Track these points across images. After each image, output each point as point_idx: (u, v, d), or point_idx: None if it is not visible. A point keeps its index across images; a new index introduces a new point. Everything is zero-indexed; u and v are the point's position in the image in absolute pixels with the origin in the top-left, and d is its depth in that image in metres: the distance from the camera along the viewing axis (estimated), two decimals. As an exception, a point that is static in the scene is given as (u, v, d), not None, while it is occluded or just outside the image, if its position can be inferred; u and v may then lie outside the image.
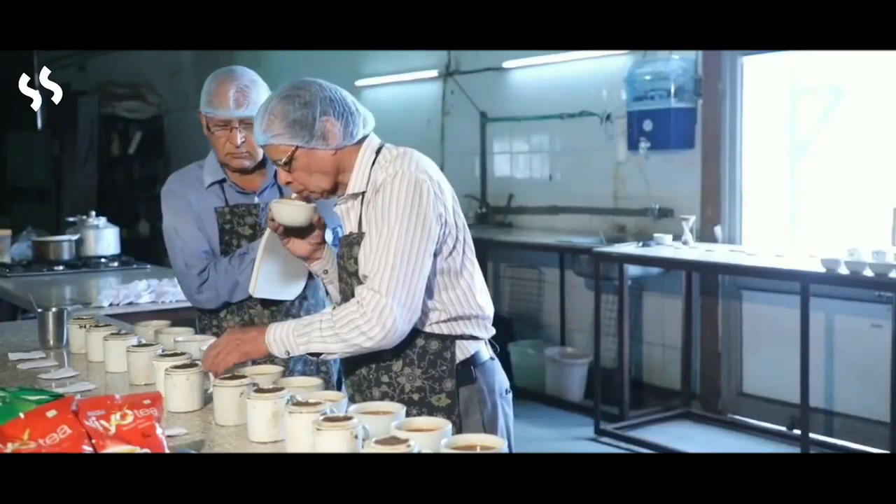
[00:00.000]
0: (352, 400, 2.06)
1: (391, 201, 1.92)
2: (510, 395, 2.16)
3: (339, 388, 2.67)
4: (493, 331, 2.11)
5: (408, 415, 1.95)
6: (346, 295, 2.05)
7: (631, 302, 5.24)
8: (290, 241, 2.14)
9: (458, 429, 1.99)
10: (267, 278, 2.43)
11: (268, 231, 2.37)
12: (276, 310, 2.57)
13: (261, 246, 2.39)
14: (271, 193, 2.59)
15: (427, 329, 2.01)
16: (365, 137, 2.04)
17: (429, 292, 1.97)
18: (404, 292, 1.88)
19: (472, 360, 2.06)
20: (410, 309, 1.90)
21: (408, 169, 1.94)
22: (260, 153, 2.54)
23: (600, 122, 5.73)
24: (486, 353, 2.10)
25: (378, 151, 2.03)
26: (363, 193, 2.02)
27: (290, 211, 2.07)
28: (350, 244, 2.04)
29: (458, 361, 2.03)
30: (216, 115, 2.47)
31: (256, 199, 2.60)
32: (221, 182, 2.59)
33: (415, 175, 1.94)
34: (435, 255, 1.96)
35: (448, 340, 2.03)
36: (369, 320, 1.86)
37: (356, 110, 2.01)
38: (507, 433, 2.11)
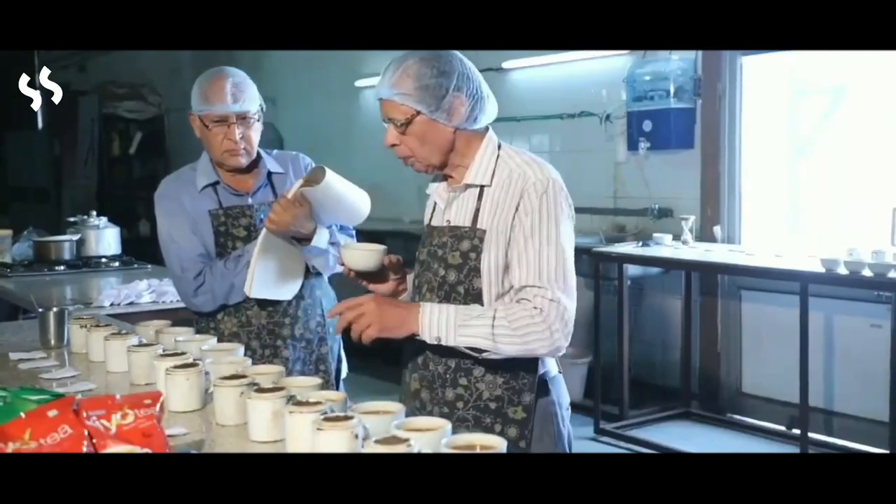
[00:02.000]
0: (416, 395, 2.01)
1: (554, 210, 1.90)
2: (569, 412, 2.10)
3: (337, 388, 2.69)
4: None
5: (481, 423, 1.95)
6: (432, 285, 1.99)
7: (631, 302, 5.23)
8: (369, 285, 2.06)
9: (528, 444, 1.95)
10: (263, 279, 2.43)
11: (263, 231, 2.38)
12: (273, 310, 2.57)
13: (256, 246, 2.39)
14: (264, 194, 2.60)
15: None
16: (485, 129, 2.01)
17: None
18: (573, 303, 1.90)
19: (547, 373, 2.01)
20: (573, 317, 1.90)
21: (557, 177, 1.94)
22: (255, 149, 2.55)
23: (600, 122, 5.73)
24: (555, 366, 2.06)
25: (498, 147, 2.00)
26: (482, 187, 1.97)
27: (362, 256, 2.00)
28: (458, 237, 1.96)
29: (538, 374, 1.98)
30: (213, 112, 2.47)
31: (250, 200, 2.60)
32: (215, 184, 2.59)
33: (563, 184, 1.95)
34: None
35: None
36: (555, 332, 1.85)
37: (486, 96, 1.98)
38: (570, 449, 2.07)
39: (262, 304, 2.56)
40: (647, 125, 5.33)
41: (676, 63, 5.22)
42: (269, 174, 2.63)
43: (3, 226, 5.68)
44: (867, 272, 3.84)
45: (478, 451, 1.47)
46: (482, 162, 1.98)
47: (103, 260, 5.22)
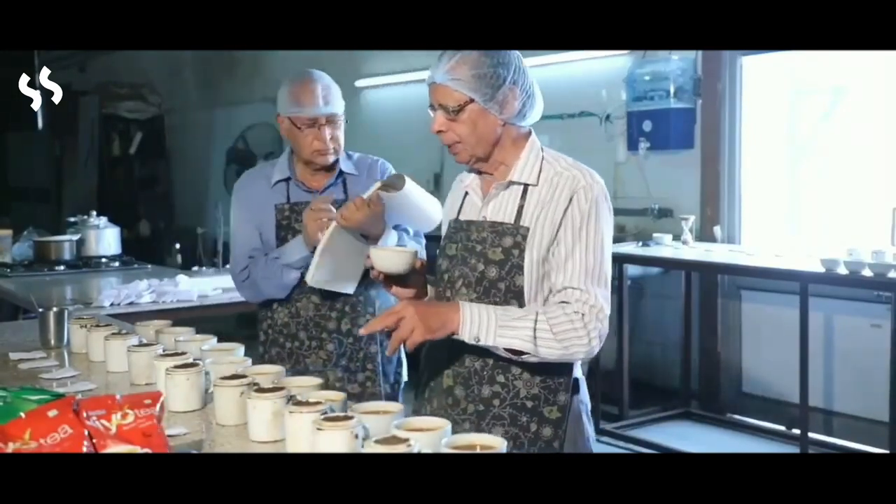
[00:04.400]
0: (449, 392, 1.99)
1: (603, 215, 1.92)
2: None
3: (395, 391, 2.74)
4: None
5: (517, 422, 1.95)
6: (469, 280, 1.96)
7: (631, 302, 5.23)
8: (392, 289, 2.01)
9: (562, 444, 1.95)
10: (325, 270, 2.48)
11: (333, 224, 2.41)
12: (321, 303, 2.64)
13: (324, 238, 2.43)
14: (334, 192, 2.67)
15: None
16: (529, 131, 2.02)
17: None
18: (609, 307, 1.91)
19: (577, 373, 2.02)
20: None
21: (600, 182, 1.95)
22: (342, 148, 2.65)
23: (600, 122, 5.73)
24: (580, 368, 2.05)
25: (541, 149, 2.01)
26: (527, 186, 1.96)
27: (392, 258, 1.96)
28: (500, 233, 1.94)
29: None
30: (303, 114, 2.56)
31: (319, 197, 2.65)
32: (287, 180, 2.69)
33: (607, 191, 1.96)
34: None
35: None
36: (593, 339, 1.86)
37: (536, 94, 1.99)
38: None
39: (312, 296, 2.62)
40: (647, 125, 5.34)
41: (676, 63, 5.23)
42: (342, 173, 2.70)
43: (4, 226, 5.68)
44: (867, 272, 3.84)
45: (478, 451, 1.47)
46: (528, 161, 1.98)
47: (103, 260, 5.22)
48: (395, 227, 2.57)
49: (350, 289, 2.59)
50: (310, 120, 2.56)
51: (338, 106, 2.61)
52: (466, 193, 2.07)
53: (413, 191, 2.47)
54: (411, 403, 2.16)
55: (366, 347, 2.67)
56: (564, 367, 1.96)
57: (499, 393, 1.95)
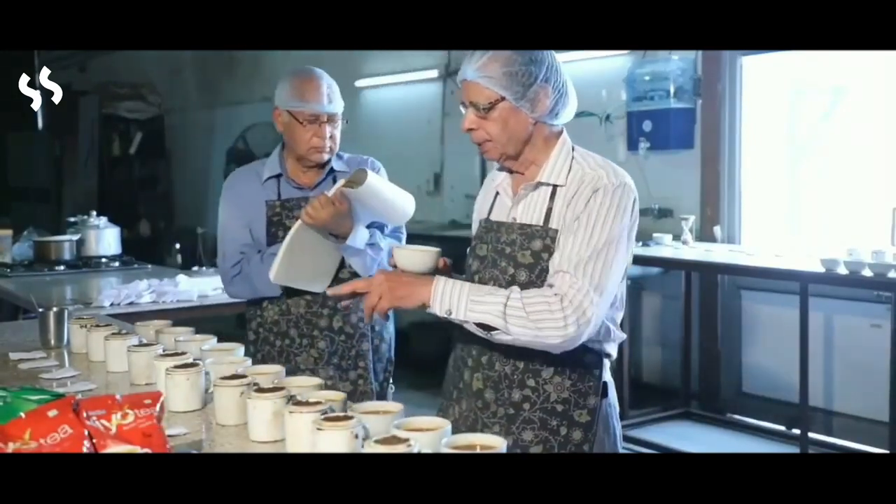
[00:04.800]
0: (479, 395, 1.97)
1: (618, 210, 1.86)
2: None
3: (384, 389, 2.73)
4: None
5: (547, 426, 1.93)
6: (500, 283, 1.92)
7: (630, 302, 5.23)
8: None
9: (591, 447, 1.94)
10: (288, 267, 2.47)
11: (298, 222, 2.42)
12: (313, 300, 2.63)
13: (289, 235, 2.43)
14: (325, 188, 2.64)
15: (587, 342, 1.89)
16: (561, 130, 1.99)
17: None
18: (604, 306, 1.84)
19: (605, 375, 2.00)
20: (599, 318, 1.83)
21: (630, 182, 1.91)
22: (338, 147, 2.66)
23: (600, 122, 5.73)
24: (608, 371, 2.02)
25: (572, 149, 1.98)
26: (556, 187, 1.92)
27: (415, 257, 1.91)
28: (529, 236, 1.92)
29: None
30: (306, 110, 2.56)
31: (310, 194, 2.66)
32: (278, 177, 2.68)
33: (635, 191, 1.91)
34: None
35: (600, 356, 1.96)
36: (570, 324, 1.77)
37: (569, 93, 1.96)
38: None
39: (302, 293, 2.61)
40: (647, 125, 5.34)
41: (676, 63, 5.23)
42: (333, 170, 2.70)
43: (4, 226, 5.68)
44: (867, 272, 3.84)
45: (478, 451, 1.47)
46: (557, 161, 1.95)
47: (103, 260, 5.22)
48: (371, 225, 2.56)
49: (320, 287, 2.56)
50: (312, 116, 2.57)
51: (339, 106, 2.63)
52: (497, 193, 2.05)
53: (377, 185, 2.44)
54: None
55: (357, 345, 2.66)
56: (594, 371, 1.94)
57: (529, 397, 1.94)
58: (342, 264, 2.60)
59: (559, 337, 1.78)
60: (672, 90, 5.21)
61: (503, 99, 1.88)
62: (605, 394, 1.98)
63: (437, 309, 1.82)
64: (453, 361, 2.09)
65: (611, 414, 2.01)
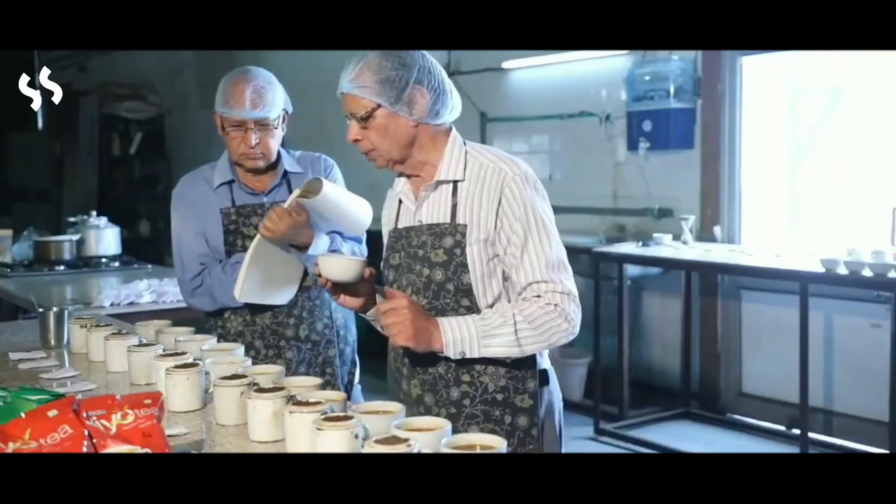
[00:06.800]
0: (419, 401, 1.99)
1: (539, 200, 1.94)
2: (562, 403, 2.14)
3: (349, 392, 2.67)
4: None
5: (491, 417, 1.96)
6: (417, 287, 1.96)
7: (630, 302, 5.24)
8: (340, 297, 1.96)
9: (541, 430, 1.98)
10: (254, 283, 2.43)
11: (258, 237, 2.38)
12: (278, 311, 2.57)
13: (249, 251, 2.39)
14: (279, 193, 2.59)
15: None
16: (450, 127, 2.01)
17: None
18: (570, 274, 1.94)
19: (543, 363, 2.03)
20: (576, 290, 1.95)
21: (529, 169, 1.96)
22: (273, 154, 2.55)
23: (600, 122, 5.73)
24: (548, 359, 2.07)
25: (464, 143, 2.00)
26: (456, 183, 1.96)
27: (339, 266, 1.91)
28: (438, 234, 1.95)
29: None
30: (231, 116, 2.47)
31: (264, 199, 2.60)
32: (230, 183, 2.59)
33: (535, 176, 1.97)
34: None
35: None
36: (571, 321, 1.90)
37: (449, 91, 1.97)
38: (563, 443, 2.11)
39: (266, 304, 2.55)
40: (647, 125, 5.34)
41: (676, 63, 5.22)
42: (287, 173, 2.62)
43: (4, 226, 5.69)
44: (867, 272, 3.84)
45: (478, 451, 1.47)
46: (451, 158, 1.97)
47: (103, 260, 5.23)
48: (330, 233, 2.51)
49: (283, 300, 2.53)
50: (236, 122, 2.46)
51: (269, 111, 2.47)
52: (400, 201, 2.06)
53: (333, 194, 2.40)
54: (371, 392, 2.16)
55: (324, 352, 2.63)
56: (527, 357, 1.98)
57: (467, 392, 1.97)
58: (305, 273, 2.55)
59: (569, 337, 1.92)
60: (672, 90, 5.21)
61: (379, 106, 1.91)
62: (545, 381, 2.02)
63: (451, 354, 1.89)
64: (390, 373, 2.11)
65: (554, 402, 2.05)
